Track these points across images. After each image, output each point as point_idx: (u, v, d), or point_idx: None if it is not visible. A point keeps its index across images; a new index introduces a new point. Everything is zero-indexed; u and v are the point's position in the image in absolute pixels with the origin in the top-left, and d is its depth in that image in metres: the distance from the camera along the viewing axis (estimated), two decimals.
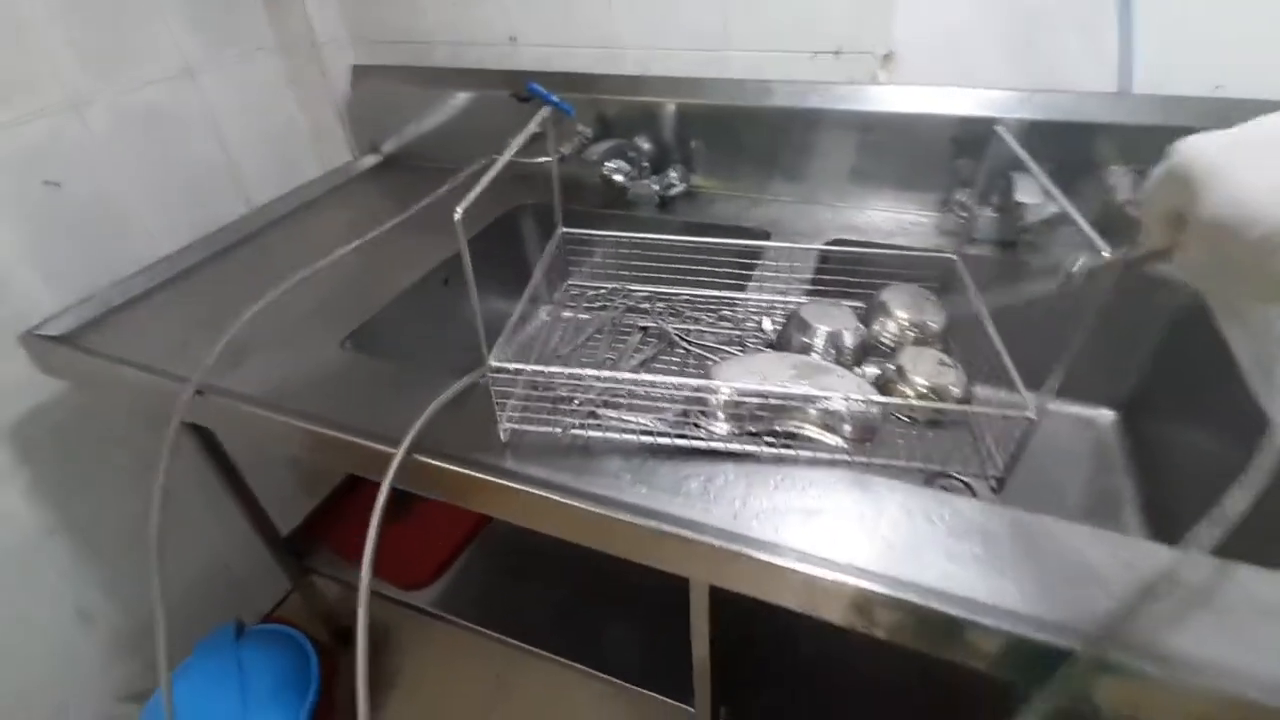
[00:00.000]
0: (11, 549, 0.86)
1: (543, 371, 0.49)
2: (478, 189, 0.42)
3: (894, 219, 0.85)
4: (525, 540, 1.11)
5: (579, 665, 0.92)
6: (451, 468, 0.51)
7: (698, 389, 0.49)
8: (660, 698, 0.88)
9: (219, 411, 0.63)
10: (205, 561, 1.12)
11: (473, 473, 0.51)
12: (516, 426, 0.52)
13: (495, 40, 0.99)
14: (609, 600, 0.99)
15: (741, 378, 0.51)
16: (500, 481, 0.50)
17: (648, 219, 0.91)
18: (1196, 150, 0.30)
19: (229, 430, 0.65)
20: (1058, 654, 0.38)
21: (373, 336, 0.71)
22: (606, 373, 0.48)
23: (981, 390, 0.60)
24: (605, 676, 0.91)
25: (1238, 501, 0.34)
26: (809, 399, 0.48)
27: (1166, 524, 0.65)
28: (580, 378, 0.50)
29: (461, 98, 1.02)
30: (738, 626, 0.70)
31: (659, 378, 0.49)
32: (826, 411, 0.50)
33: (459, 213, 0.40)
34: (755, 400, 0.49)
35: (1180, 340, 0.70)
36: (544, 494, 0.49)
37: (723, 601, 0.65)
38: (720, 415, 0.51)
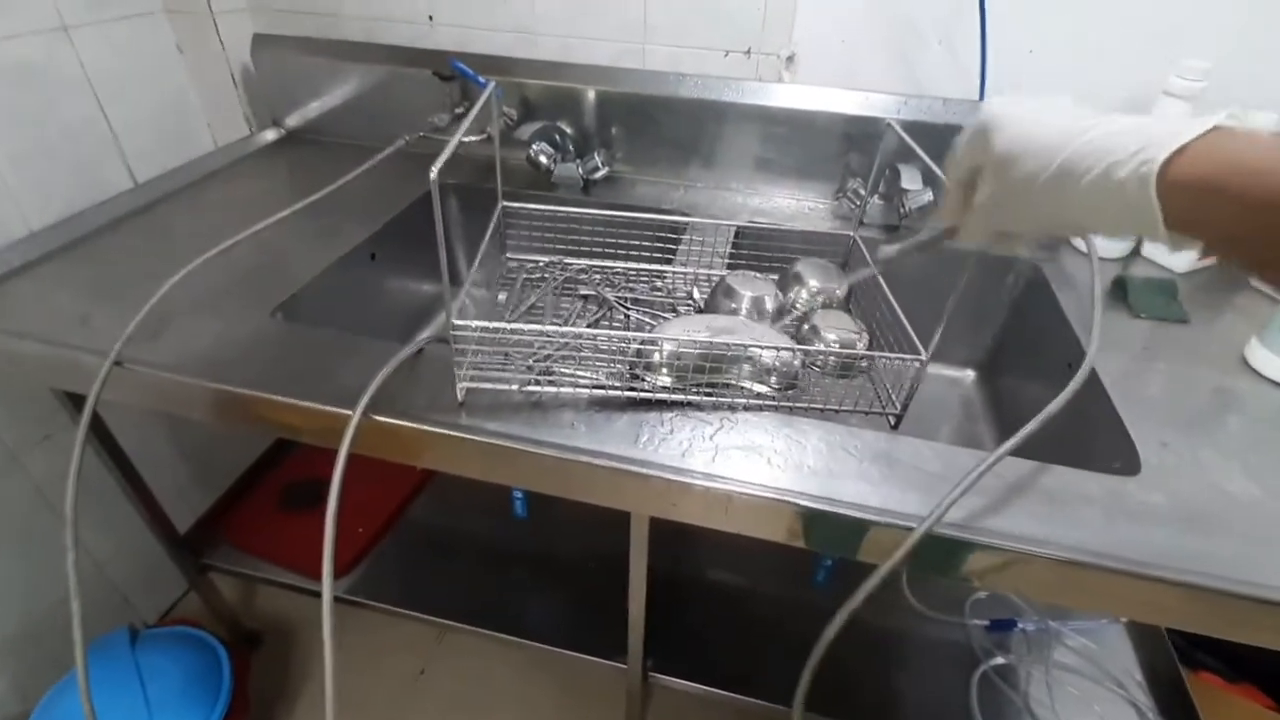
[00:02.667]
0: None
1: (503, 328, 0.52)
2: (447, 151, 0.44)
3: (796, 205, 0.94)
4: (443, 527, 1.11)
5: (506, 635, 0.94)
6: (411, 425, 0.53)
7: (642, 344, 0.54)
8: (592, 659, 0.92)
9: (140, 386, 0.59)
10: (86, 566, 1.02)
11: (433, 429, 0.53)
12: (472, 385, 0.55)
13: (412, 17, 0.99)
14: (533, 580, 1.02)
15: (681, 334, 0.57)
16: (460, 435, 0.53)
17: (573, 200, 0.94)
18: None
19: (152, 407, 0.61)
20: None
21: (303, 309, 0.70)
22: (562, 328, 0.52)
23: (878, 344, 0.70)
24: (535, 644, 0.94)
25: (1053, 405, 0.44)
26: (741, 349, 0.55)
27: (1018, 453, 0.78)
28: (535, 335, 0.53)
29: (372, 73, 1.01)
30: (658, 590, 0.76)
31: (607, 332, 0.53)
32: (755, 364, 0.57)
33: (434, 172, 0.42)
34: (695, 353, 0.54)
35: (1021, 311, 0.85)
36: (503, 444, 0.52)
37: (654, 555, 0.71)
38: (663, 370, 0.56)
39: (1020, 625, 0.94)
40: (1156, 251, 0.82)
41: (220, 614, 1.09)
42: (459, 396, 0.55)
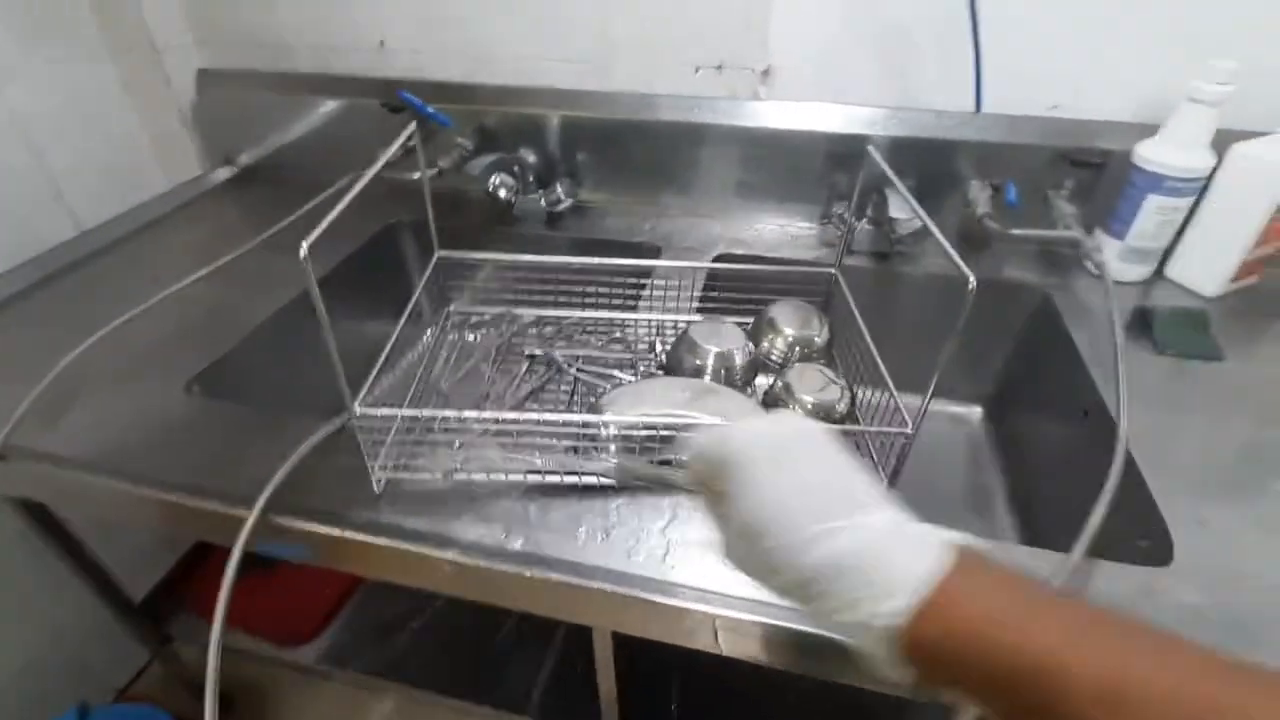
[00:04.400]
0: None
1: (416, 416, 0.45)
2: (326, 221, 0.38)
3: (779, 231, 0.86)
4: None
5: (481, 707, 0.88)
6: (318, 528, 0.46)
7: (584, 425, 0.47)
8: None
9: (33, 479, 0.53)
10: (42, 639, 0.96)
11: (343, 532, 0.46)
12: (391, 475, 0.48)
13: (363, 44, 0.93)
14: (508, 638, 0.95)
15: (632, 407, 0.49)
16: (375, 540, 0.46)
17: (536, 235, 0.88)
18: (739, 443, 0.31)
19: (49, 500, 0.55)
20: None
21: (226, 377, 0.64)
22: (486, 413, 0.45)
23: (865, 393, 0.62)
24: (509, 715, 0.87)
25: (1091, 524, 0.36)
26: (694, 427, 0.47)
27: (1031, 514, 0.70)
28: (460, 418, 0.46)
29: (327, 106, 0.95)
30: (645, 649, 0.69)
31: (542, 415, 0.46)
32: None
33: (305, 248, 0.35)
34: (644, 432, 0.47)
35: (1031, 343, 0.76)
36: (423, 550, 0.45)
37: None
38: (611, 448, 0.49)
39: None
40: (1183, 273, 0.73)
41: (185, 682, 1.03)
42: (375, 489, 0.48)
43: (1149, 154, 0.67)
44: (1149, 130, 0.69)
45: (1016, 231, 0.71)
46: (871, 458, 0.52)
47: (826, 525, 0.28)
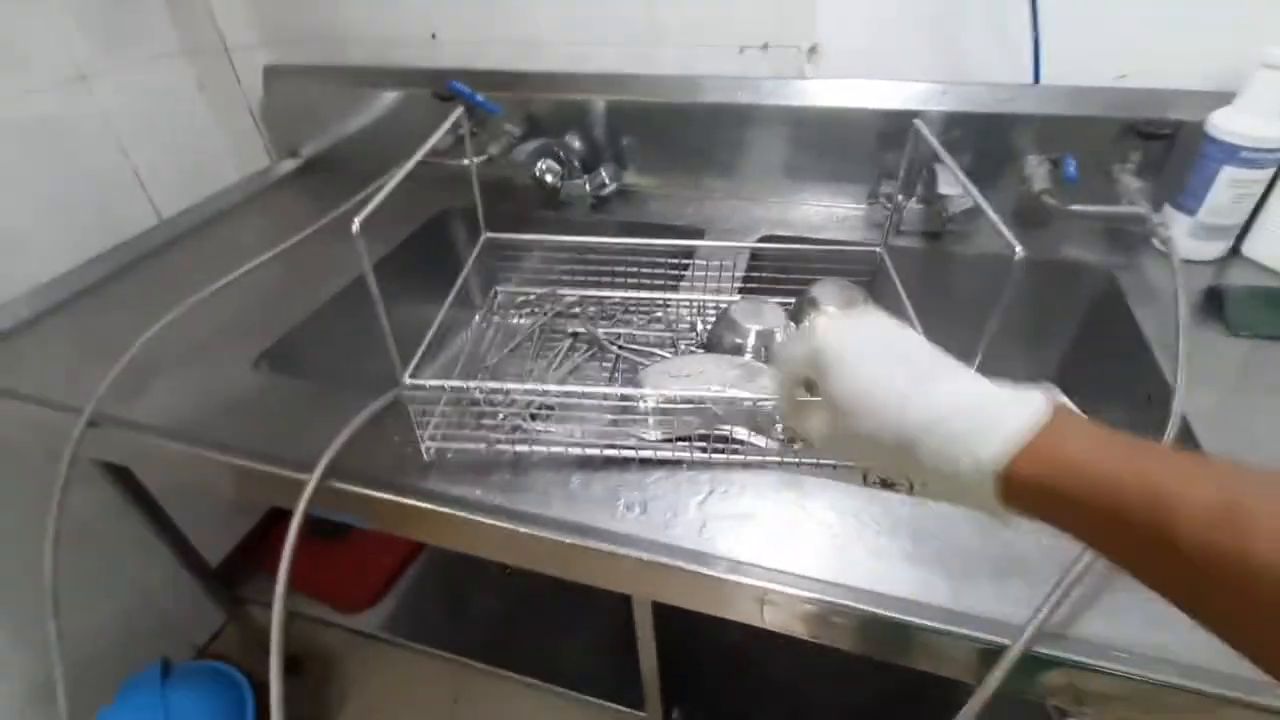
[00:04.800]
0: None
1: (462, 387, 0.47)
2: (377, 200, 0.40)
3: (824, 212, 0.85)
4: (469, 556, 1.08)
5: (532, 680, 0.90)
6: (372, 493, 0.49)
7: (624, 398, 0.48)
8: (614, 706, 0.87)
9: (118, 444, 0.58)
10: (130, 600, 1.05)
11: (394, 497, 0.48)
12: (440, 445, 0.50)
13: (415, 37, 0.96)
14: (559, 611, 0.97)
15: (671, 382, 0.50)
16: (423, 505, 0.48)
17: (581, 220, 0.89)
18: (827, 333, 0.33)
19: (132, 464, 0.60)
20: (988, 647, 0.38)
21: (290, 354, 0.68)
22: (530, 385, 0.46)
23: None
24: (559, 689, 0.89)
25: None
26: (735, 402, 0.48)
27: None
28: (504, 391, 0.48)
29: (383, 98, 0.98)
30: (686, 628, 0.70)
31: (584, 388, 0.47)
32: (757, 414, 0.50)
33: (356, 225, 0.37)
34: (684, 406, 0.48)
35: (1094, 328, 0.73)
36: (469, 515, 0.47)
37: (668, 607, 0.65)
38: (650, 422, 0.50)
39: None
40: (1261, 250, 0.69)
41: (257, 643, 1.10)
42: (425, 458, 0.50)
43: (1224, 123, 0.63)
44: (1224, 99, 0.64)
45: (1076, 208, 0.68)
46: None
47: (923, 386, 0.29)
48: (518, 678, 0.91)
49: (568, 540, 0.45)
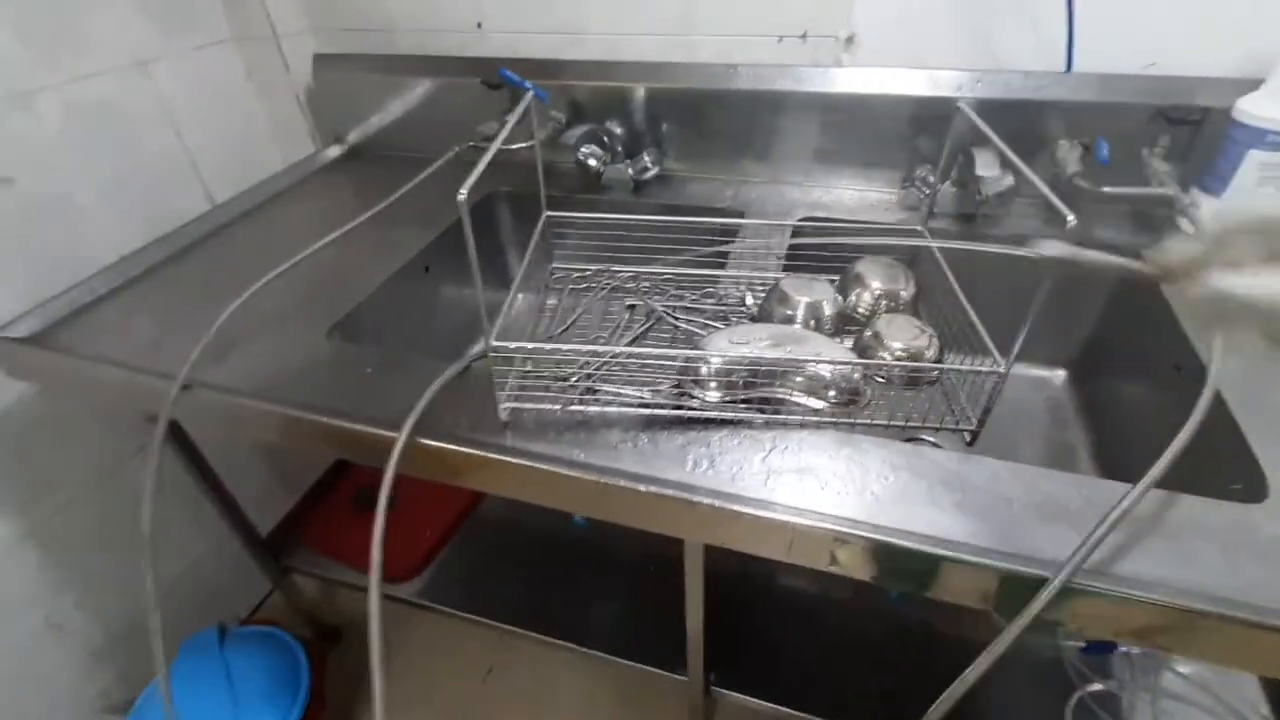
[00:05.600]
0: None
1: (542, 348, 0.51)
2: (478, 169, 0.43)
3: (859, 196, 0.88)
4: (507, 528, 1.12)
5: (569, 644, 0.94)
6: (455, 448, 0.53)
7: (689, 360, 0.51)
8: (654, 670, 0.90)
9: (207, 407, 0.62)
10: (180, 566, 1.09)
11: (476, 451, 0.52)
12: (516, 405, 0.54)
13: (461, 26, 0.99)
14: (594, 582, 1.01)
15: (730, 348, 0.54)
16: (503, 458, 0.51)
17: (623, 202, 0.92)
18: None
19: (218, 426, 0.64)
20: (1031, 582, 0.42)
21: (359, 326, 0.71)
22: (602, 347, 0.50)
23: (949, 354, 0.64)
24: (596, 653, 0.93)
25: (1179, 441, 0.38)
26: (795, 364, 0.51)
27: (1117, 467, 0.70)
28: (576, 353, 0.51)
29: (427, 85, 1.01)
30: (723, 595, 0.73)
31: (651, 350, 0.51)
32: (811, 377, 0.53)
33: (463, 193, 0.41)
34: (744, 369, 0.51)
35: (1120, 304, 0.76)
36: (547, 467, 0.51)
37: (710, 572, 0.68)
38: (712, 384, 0.53)
39: (1122, 648, 0.86)
40: None
41: (302, 611, 1.14)
42: (502, 417, 0.54)
43: (1251, 108, 0.66)
44: (1251, 85, 0.67)
45: (1108, 189, 0.71)
46: (961, 399, 0.54)
47: None
48: (555, 642, 0.95)
49: (643, 489, 0.48)
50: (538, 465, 0.51)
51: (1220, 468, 0.51)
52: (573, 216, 0.68)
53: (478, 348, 0.54)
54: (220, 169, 1.03)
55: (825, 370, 0.53)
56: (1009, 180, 0.75)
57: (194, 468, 0.90)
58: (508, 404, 0.53)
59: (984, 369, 0.49)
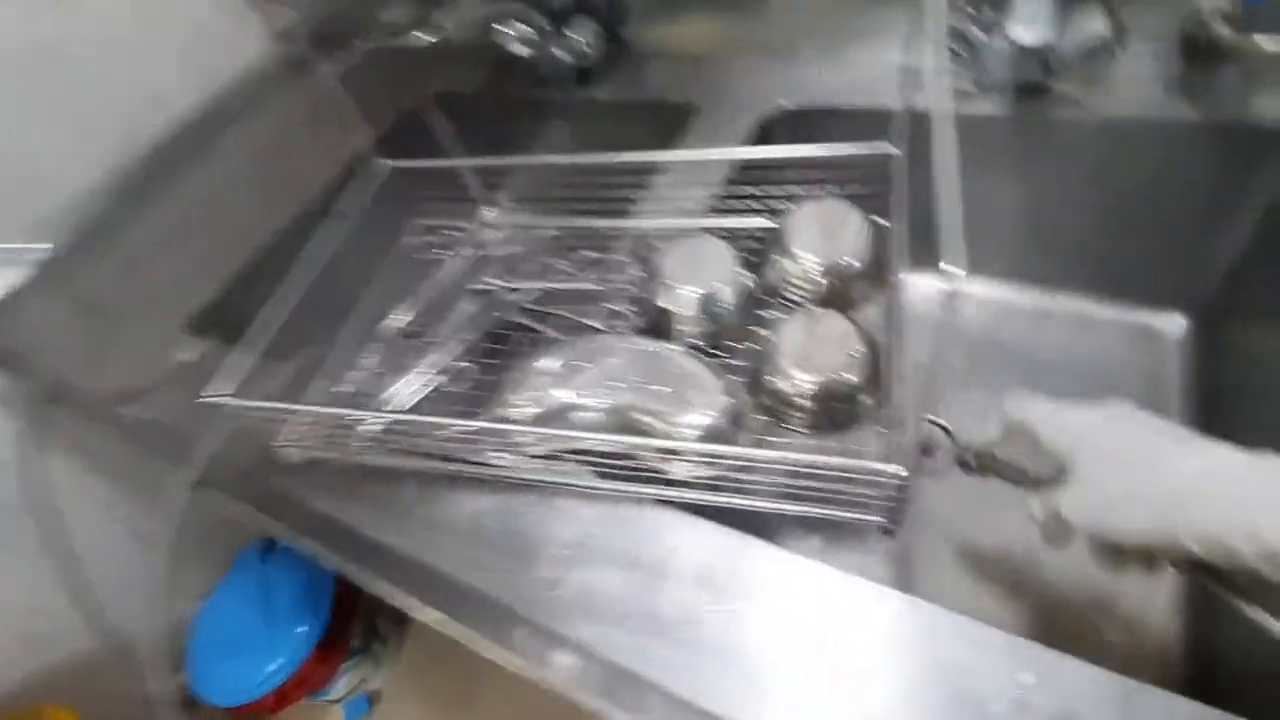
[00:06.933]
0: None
1: (265, 406, 0.39)
2: None
3: (873, 62, 0.59)
4: None
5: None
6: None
7: (463, 428, 0.37)
8: None
9: None
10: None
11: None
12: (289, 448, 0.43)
13: None
14: None
15: (547, 394, 0.38)
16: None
17: (562, 101, 0.71)
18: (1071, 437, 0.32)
19: None
20: None
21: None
22: (337, 410, 0.37)
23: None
24: None
25: None
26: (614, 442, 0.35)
27: None
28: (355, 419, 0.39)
29: None
30: None
31: (424, 419, 0.37)
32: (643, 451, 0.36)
33: None
34: (541, 432, 0.36)
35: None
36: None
37: None
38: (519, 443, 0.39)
39: None
40: None
41: None
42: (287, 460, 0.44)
43: None
44: None
45: (1259, 38, 0.39)
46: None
47: (1187, 447, 0.29)
48: None
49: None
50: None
51: None
52: (418, 165, 0.51)
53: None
54: (181, 84, 0.93)
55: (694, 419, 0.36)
56: (1100, 26, 0.45)
57: None
58: (288, 448, 0.43)
59: (884, 472, 0.30)
